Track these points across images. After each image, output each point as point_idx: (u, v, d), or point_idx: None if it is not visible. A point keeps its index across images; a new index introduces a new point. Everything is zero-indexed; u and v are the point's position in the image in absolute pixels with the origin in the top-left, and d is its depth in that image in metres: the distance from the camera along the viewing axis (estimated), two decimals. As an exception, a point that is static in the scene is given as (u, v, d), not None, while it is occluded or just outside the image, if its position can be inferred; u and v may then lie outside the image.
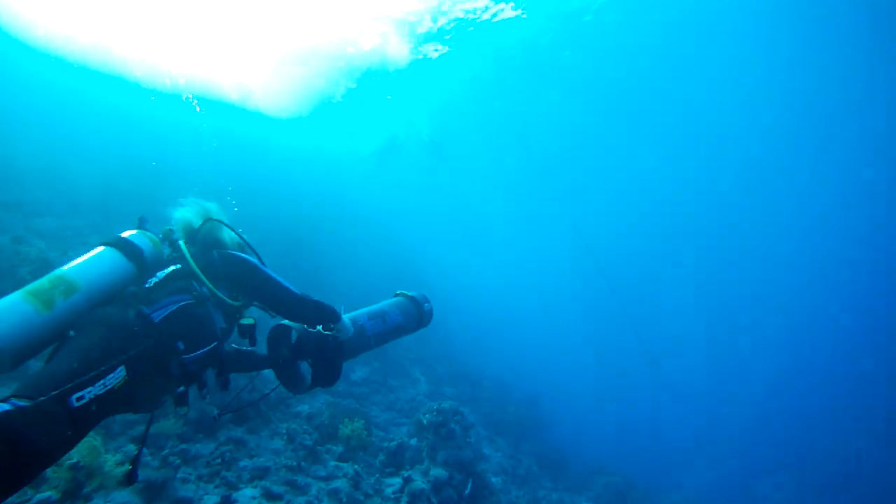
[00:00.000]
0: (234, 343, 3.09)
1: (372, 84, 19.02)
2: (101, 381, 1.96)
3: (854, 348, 38.52)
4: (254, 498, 5.73)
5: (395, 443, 7.98)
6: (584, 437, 18.93)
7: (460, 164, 23.40)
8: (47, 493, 3.90)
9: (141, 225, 2.66)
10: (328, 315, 2.77)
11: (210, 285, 2.59)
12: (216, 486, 5.76)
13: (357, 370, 11.80)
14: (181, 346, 2.41)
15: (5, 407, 1.68)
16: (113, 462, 4.53)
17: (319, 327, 2.84)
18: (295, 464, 6.64)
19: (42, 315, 2.04)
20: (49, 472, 4.21)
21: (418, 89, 19.40)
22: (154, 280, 2.46)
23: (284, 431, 7.28)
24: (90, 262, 2.33)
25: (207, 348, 2.57)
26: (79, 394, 1.87)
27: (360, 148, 20.94)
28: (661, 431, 25.96)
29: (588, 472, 15.54)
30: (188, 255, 2.61)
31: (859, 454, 26.79)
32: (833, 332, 40.12)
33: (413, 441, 8.50)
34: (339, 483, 6.85)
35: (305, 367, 3.11)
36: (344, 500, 6.68)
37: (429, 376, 13.97)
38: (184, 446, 5.94)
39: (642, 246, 43.05)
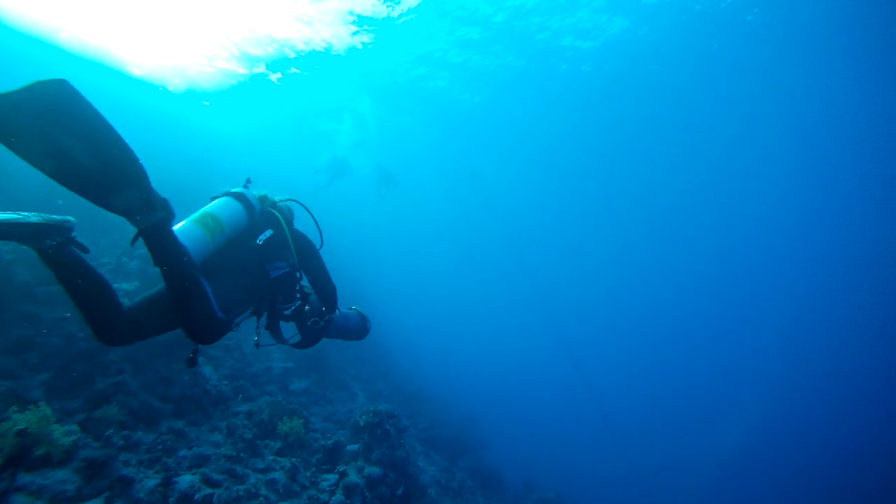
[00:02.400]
0: None
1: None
2: (244, 314, 3.06)
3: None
4: (193, 484, 5.93)
5: (332, 441, 8.28)
6: (519, 456, 19.41)
7: (408, 189, 23.91)
8: (-5, 457, 4.08)
9: (246, 185, 3.38)
10: (334, 308, 3.78)
11: (296, 258, 3.40)
12: (156, 472, 5.95)
13: (296, 381, 11.97)
14: (280, 298, 3.41)
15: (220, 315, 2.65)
16: (61, 432, 4.73)
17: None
18: (234, 454, 6.87)
19: (208, 241, 2.79)
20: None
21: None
22: (262, 238, 3.23)
23: (224, 427, 7.49)
24: (225, 209, 3.02)
25: (295, 304, 3.57)
26: (237, 318, 2.99)
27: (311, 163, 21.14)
28: (595, 454, 26.75)
29: (522, 489, 15.95)
30: (287, 234, 3.37)
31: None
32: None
33: (350, 447, 8.79)
34: (277, 475, 7.11)
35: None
36: (281, 490, 6.95)
37: (367, 392, 14.21)
38: (126, 432, 6.11)
39: (581, 268, 44.22)
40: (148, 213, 2.20)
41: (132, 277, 8.71)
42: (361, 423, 8.67)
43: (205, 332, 2.63)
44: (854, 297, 37.08)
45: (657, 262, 40.83)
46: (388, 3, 12.98)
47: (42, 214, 2.21)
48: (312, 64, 16.85)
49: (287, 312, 3.69)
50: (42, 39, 17.50)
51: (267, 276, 3.20)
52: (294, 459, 7.52)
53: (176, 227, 2.68)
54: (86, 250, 2.41)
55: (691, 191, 27.30)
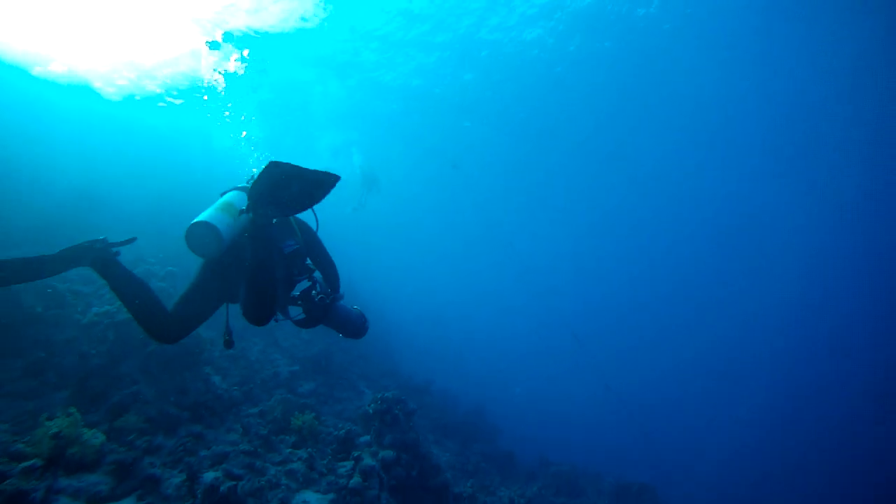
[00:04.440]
0: None
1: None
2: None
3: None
4: (217, 478, 6.26)
5: (343, 431, 8.62)
6: (533, 438, 19.75)
7: (392, 185, 24.11)
8: (33, 461, 4.40)
9: (249, 181, 3.87)
10: (338, 286, 4.21)
11: (301, 238, 3.86)
12: (180, 471, 6.27)
13: (303, 384, 12.28)
14: (296, 272, 3.84)
15: None
16: (90, 434, 5.07)
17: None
18: (252, 450, 7.21)
19: (232, 225, 3.23)
20: (29, 449, 4.73)
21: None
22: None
23: (240, 427, 7.82)
24: (238, 200, 3.46)
25: (306, 277, 3.98)
26: None
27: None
28: (606, 430, 27.18)
29: (537, 465, 16.29)
30: (291, 219, 3.86)
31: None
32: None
33: (363, 438, 9.12)
34: (295, 465, 7.46)
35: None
36: (300, 479, 7.29)
37: (374, 389, 14.49)
38: (147, 438, 6.42)
39: (576, 246, 44.18)
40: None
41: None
42: (371, 410, 9.01)
43: (264, 312, 3.21)
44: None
45: (660, 235, 40.69)
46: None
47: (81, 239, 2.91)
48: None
49: (295, 294, 4.11)
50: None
51: (282, 253, 3.64)
52: (310, 450, 7.86)
53: (204, 214, 3.19)
54: (131, 240, 3.19)
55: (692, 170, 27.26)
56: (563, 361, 34.27)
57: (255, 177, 3.80)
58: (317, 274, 4.22)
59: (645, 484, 15.77)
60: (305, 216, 4.17)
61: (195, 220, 3.14)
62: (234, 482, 6.23)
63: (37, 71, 17.99)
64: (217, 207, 3.31)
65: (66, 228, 11.72)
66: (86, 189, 15.87)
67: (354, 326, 4.40)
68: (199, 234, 3.12)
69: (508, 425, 18.62)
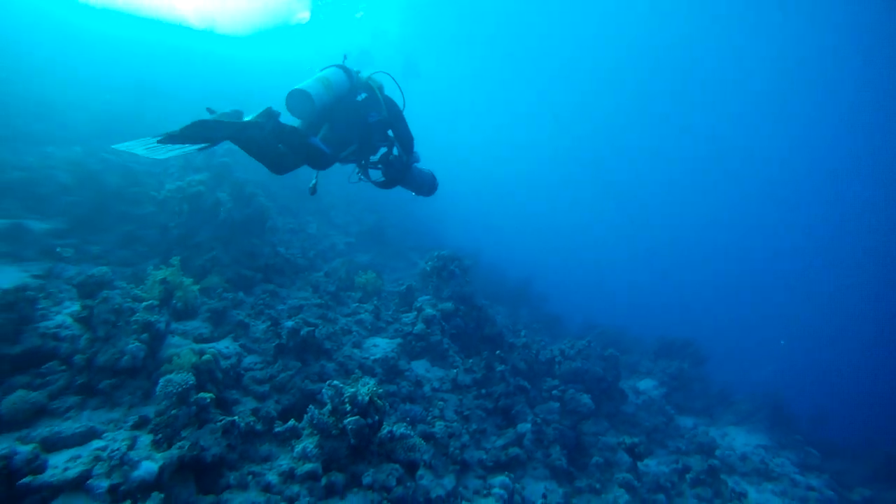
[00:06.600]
0: None
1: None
2: (350, 149, 4.23)
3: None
4: (297, 323, 7.02)
5: (405, 286, 9.32)
6: (578, 305, 20.49)
7: (438, 67, 23.74)
8: (150, 301, 5.11)
9: (344, 60, 4.35)
10: (412, 151, 4.68)
11: (384, 112, 4.37)
12: (264, 320, 7.05)
13: (360, 255, 13.03)
14: (377, 137, 4.41)
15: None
16: (189, 281, 5.78)
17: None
18: (323, 303, 7.96)
19: (323, 93, 3.80)
20: (144, 294, 5.46)
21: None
22: (360, 97, 4.26)
23: (309, 286, 8.56)
24: (332, 74, 4.02)
25: (387, 143, 4.54)
26: (342, 153, 4.16)
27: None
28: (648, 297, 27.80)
29: (583, 328, 17.10)
30: (379, 96, 4.36)
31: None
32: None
33: (422, 298, 9.79)
34: (364, 316, 8.22)
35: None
36: (369, 326, 8.06)
37: (426, 260, 15.29)
38: (230, 294, 7.18)
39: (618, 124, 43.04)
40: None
41: (201, 170, 9.64)
42: (428, 268, 9.64)
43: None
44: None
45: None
46: None
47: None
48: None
49: (375, 158, 4.64)
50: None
51: (366, 121, 4.22)
52: (376, 302, 8.59)
53: (304, 83, 3.74)
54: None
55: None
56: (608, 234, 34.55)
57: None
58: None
59: (687, 339, 16.38)
60: (394, 95, 4.66)
61: (295, 87, 3.68)
62: (311, 328, 6.99)
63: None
64: (315, 79, 3.80)
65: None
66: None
67: (427, 185, 4.99)
68: (296, 98, 3.67)
69: (555, 294, 19.31)
